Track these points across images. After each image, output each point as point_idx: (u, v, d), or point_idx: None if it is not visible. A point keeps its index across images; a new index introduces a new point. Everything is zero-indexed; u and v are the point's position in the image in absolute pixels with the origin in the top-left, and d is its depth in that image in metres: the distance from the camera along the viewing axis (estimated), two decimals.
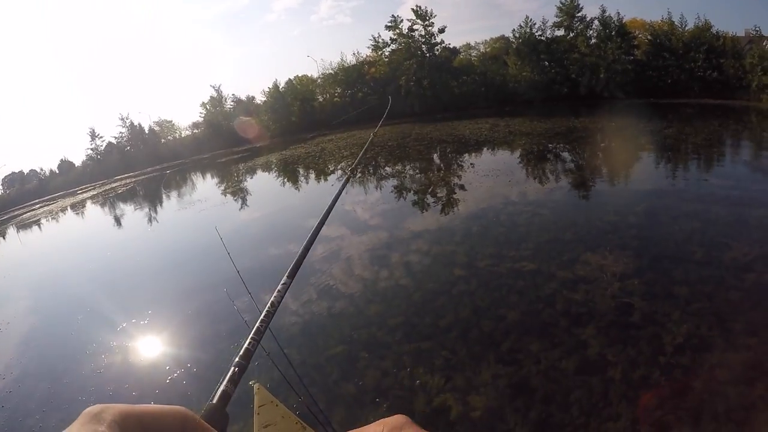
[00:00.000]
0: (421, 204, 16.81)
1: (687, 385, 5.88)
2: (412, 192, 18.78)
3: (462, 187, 17.37)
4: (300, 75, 64.51)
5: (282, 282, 1.44)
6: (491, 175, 18.38)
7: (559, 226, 11.74)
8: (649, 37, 42.87)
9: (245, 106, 72.51)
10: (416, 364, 7.10)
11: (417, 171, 23.63)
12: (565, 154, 22.39)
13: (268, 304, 1.27)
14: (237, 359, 1.02)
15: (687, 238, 10.13)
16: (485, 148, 26.65)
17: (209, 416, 0.81)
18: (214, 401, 0.86)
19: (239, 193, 27.53)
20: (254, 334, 1.11)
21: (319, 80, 62.45)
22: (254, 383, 1.97)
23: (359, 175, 24.23)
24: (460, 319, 8.12)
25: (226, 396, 0.89)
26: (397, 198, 18.16)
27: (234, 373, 0.97)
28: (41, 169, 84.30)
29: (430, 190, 18.45)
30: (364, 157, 4.46)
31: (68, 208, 45.51)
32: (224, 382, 0.92)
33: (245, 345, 1.06)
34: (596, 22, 44.57)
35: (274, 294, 1.34)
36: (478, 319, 8.00)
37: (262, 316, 1.20)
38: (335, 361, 7.59)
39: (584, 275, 8.81)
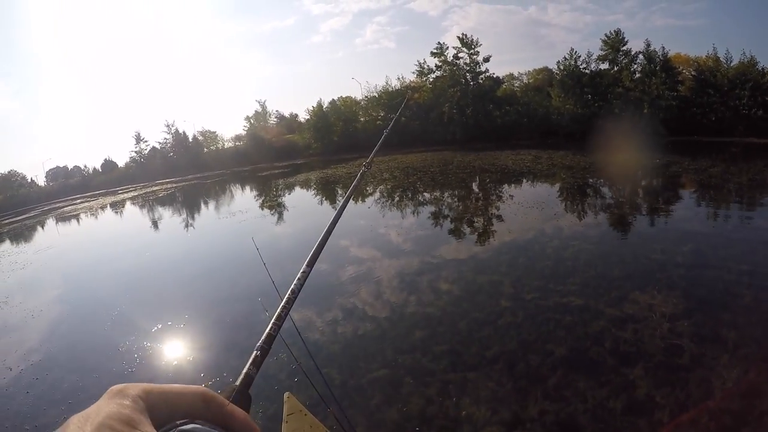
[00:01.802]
0: (466, 232, 16.94)
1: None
2: (456, 219, 18.91)
3: (506, 218, 17.44)
4: (344, 96, 65.43)
5: (302, 270, 1.52)
6: (536, 207, 18.46)
7: (606, 263, 11.77)
8: (693, 73, 42.52)
9: (288, 122, 73.64)
10: (462, 394, 7.03)
11: (460, 199, 23.80)
12: (609, 190, 22.32)
13: (289, 292, 1.33)
14: (259, 343, 1.08)
15: (735, 280, 10.04)
16: (528, 180, 26.72)
17: (232, 396, 0.87)
18: (237, 383, 0.93)
19: (278, 207, 28.06)
20: (275, 319, 1.17)
21: (362, 102, 63.20)
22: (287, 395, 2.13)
23: (397, 199, 24.59)
24: (507, 351, 8.08)
25: (249, 378, 0.96)
26: (442, 224, 18.35)
27: (256, 356, 1.02)
28: (85, 166, 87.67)
29: (474, 218, 18.61)
30: (358, 185, 4.31)
31: (108, 206, 47.06)
32: (247, 365, 0.98)
33: (267, 330, 1.13)
34: (641, 56, 44.47)
35: (294, 282, 1.40)
36: (525, 352, 7.97)
37: (283, 303, 1.25)
38: (378, 385, 7.53)
39: (633, 313, 8.81)
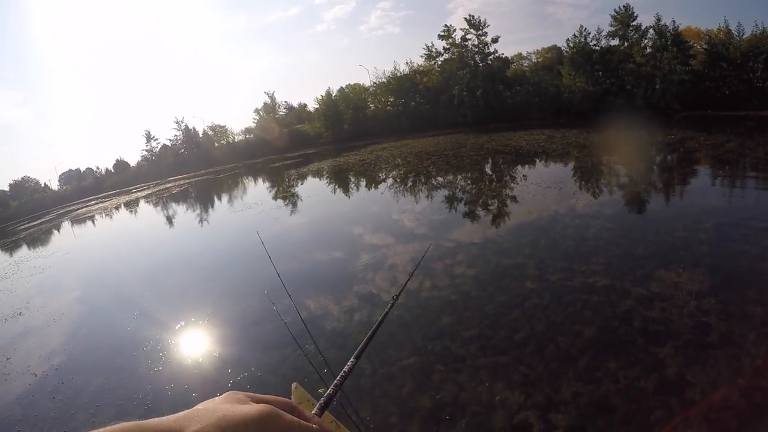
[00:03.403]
0: (485, 215, 16.99)
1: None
2: (474, 202, 18.99)
3: (525, 199, 17.47)
4: (352, 83, 65.40)
5: (349, 363, 1.51)
6: (553, 186, 18.49)
7: (629, 241, 11.79)
8: (705, 46, 41.92)
9: (297, 113, 73.72)
10: (494, 379, 7.08)
11: (477, 182, 23.81)
12: (625, 168, 22.23)
13: (332, 385, 1.32)
14: None
15: (760, 255, 10.05)
16: (544, 160, 26.63)
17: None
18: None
19: (291, 198, 28.18)
20: (317, 409, 1.16)
21: (371, 89, 63.19)
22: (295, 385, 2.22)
23: (411, 184, 24.68)
24: (536, 334, 8.15)
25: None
26: (459, 208, 18.50)
27: None
28: (97, 168, 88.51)
29: (492, 200, 18.64)
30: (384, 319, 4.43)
31: (122, 205, 47.55)
32: None
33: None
34: (651, 31, 43.98)
35: (340, 375, 1.41)
36: (554, 334, 8.03)
37: (324, 397, 1.25)
38: (408, 373, 7.58)
39: (659, 292, 8.85)
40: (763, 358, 6.71)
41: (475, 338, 8.37)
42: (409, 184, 25.73)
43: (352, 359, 1.60)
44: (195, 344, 10.28)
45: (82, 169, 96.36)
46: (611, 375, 6.78)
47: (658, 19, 43.17)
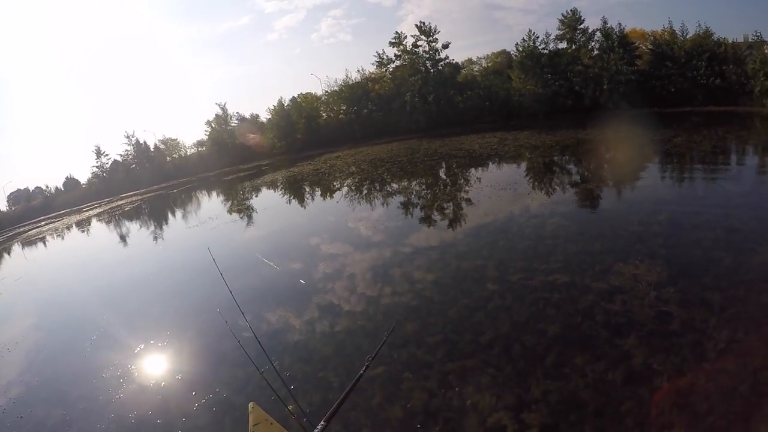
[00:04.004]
0: (443, 219, 16.97)
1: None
2: (431, 207, 18.93)
3: (481, 201, 17.52)
4: (304, 93, 65.10)
5: (318, 427, 1.44)
6: (508, 188, 18.63)
7: (586, 238, 11.91)
8: (650, 46, 43.12)
9: (250, 124, 72.97)
10: (463, 383, 7.02)
11: (431, 186, 23.85)
12: (577, 166, 22.66)
13: None
14: None
15: (713, 244, 10.30)
16: (496, 162, 26.88)
17: None
18: None
19: (245, 211, 27.74)
20: None
21: (323, 97, 62.94)
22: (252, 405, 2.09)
23: (365, 191, 24.60)
24: (501, 335, 8.13)
25: None
26: (416, 213, 18.41)
27: None
28: (47, 186, 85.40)
29: (448, 204, 18.66)
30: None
31: (74, 225, 45.98)
32: None
33: None
34: (598, 33, 44.91)
35: None
36: (519, 334, 8.03)
37: None
38: (376, 383, 7.45)
39: (619, 285, 8.95)
40: (725, 341, 6.77)
41: (441, 343, 8.30)
42: (365, 191, 25.64)
43: (322, 422, 1.47)
44: (156, 367, 9.90)
45: (31, 188, 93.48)
46: (579, 370, 6.79)
47: (605, 22, 44.29)
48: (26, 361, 12.32)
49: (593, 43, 45.67)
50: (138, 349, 10.82)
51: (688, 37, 40.92)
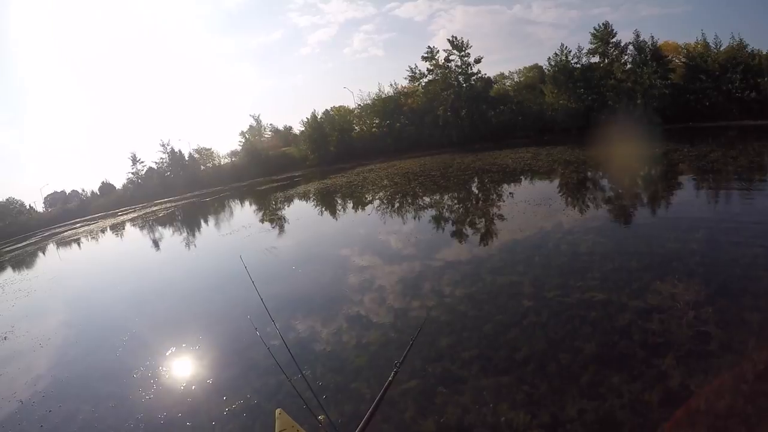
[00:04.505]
0: (478, 234, 16.94)
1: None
2: (466, 222, 18.97)
3: (516, 217, 17.46)
4: (337, 106, 65.67)
5: None
6: (543, 204, 18.59)
7: (622, 255, 11.84)
8: (683, 60, 42.75)
9: (283, 135, 73.81)
10: (498, 399, 6.98)
11: (465, 201, 23.92)
12: (613, 182, 22.44)
13: None
14: None
15: (751, 262, 10.17)
16: (531, 177, 26.78)
17: None
18: None
19: (278, 220, 28.07)
20: None
21: (356, 111, 63.49)
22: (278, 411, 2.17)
23: (397, 205, 24.70)
24: (536, 352, 8.09)
25: None
26: (451, 227, 18.53)
27: None
28: (83, 190, 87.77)
29: (483, 219, 18.64)
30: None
31: (108, 228, 47.01)
32: None
33: None
34: (631, 47, 44.69)
35: None
36: (555, 351, 7.99)
37: None
38: (410, 396, 7.46)
39: (656, 304, 8.89)
40: (764, 362, 6.75)
41: (476, 358, 8.28)
42: (397, 204, 25.75)
43: None
44: (187, 370, 10.10)
45: (68, 191, 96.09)
46: (615, 390, 6.73)
47: (637, 36, 44.03)
48: (57, 357, 12.75)
49: (626, 57, 45.38)
50: (169, 351, 11.10)
51: (722, 49, 40.28)
